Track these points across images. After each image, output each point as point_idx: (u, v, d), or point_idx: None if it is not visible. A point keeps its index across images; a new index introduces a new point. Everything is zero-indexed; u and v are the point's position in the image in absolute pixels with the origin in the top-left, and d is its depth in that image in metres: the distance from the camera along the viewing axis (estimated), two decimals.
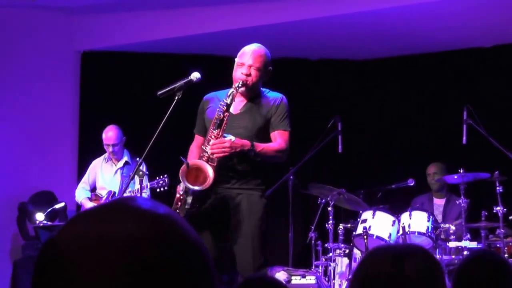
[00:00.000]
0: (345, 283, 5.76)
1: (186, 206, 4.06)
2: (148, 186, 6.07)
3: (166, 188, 6.00)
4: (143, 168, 6.24)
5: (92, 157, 6.73)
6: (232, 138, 4.05)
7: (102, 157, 6.58)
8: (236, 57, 4.29)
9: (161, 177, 6.06)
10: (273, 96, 4.31)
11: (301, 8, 6.93)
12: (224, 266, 5.81)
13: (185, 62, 6.89)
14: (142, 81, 7.60)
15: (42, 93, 7.57)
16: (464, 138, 6.13)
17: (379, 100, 8.22)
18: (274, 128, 4.23)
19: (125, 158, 6.50)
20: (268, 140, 4.22)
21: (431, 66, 7.94)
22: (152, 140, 4.25)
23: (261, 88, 4.33)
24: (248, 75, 4.16)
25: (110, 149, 6.42)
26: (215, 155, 4.02)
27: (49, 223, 6.66)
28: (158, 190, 6.05)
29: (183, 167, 4.04)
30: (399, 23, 7.08)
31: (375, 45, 7.77)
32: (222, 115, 4.04)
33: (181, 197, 4.09)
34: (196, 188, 4.00)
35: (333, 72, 8.27)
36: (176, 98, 4.19)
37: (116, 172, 6.48)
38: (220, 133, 4.04)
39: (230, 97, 4.05)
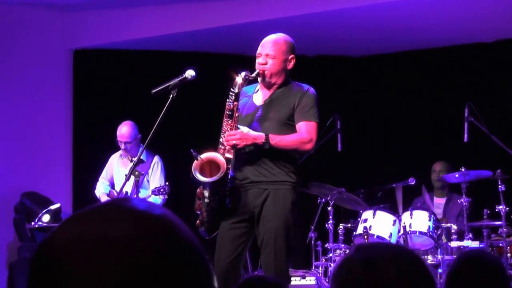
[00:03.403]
0: None
1: (206, 200, 4.04)
2: (150, 194, 5.89)
3: (166, 196, 5.80)
4: (159, 165, 6.10)
5: (87, 157, 6.61)
6: (245, 130, 4.05)
7: (118, 152, 6.31)
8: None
9: (161, 184, 5.90)
10: (299, 87, 4.27)
11: (298, 3, 6.85)
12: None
13: (180, 59, 6.78)
14: (136, 79, 7.51)
15: (34, 92, 7.47)
16: (466, 136, 6.06)
17: (378, 97, 8.14)
18: (298, 119, 4.17)
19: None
20: (294, 131, 4.16)
21: (431, 62, 7.86)
22: (148, 139, 4.26)
23: (290, 80, 4.29)
24: (264, 64, 4.16)
25: (123, 146, 6.11)
26: (227, 146, 4.03)
27: (44, 224, 6.55)
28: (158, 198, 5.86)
29: (196, 160, 4.03)
30: (398, 18, 7.01)
31: (374, 41, 7.69)
32: (231, 106, 4.04)
33: (201, 191, 4.09)
34: (207, 180, 3.98)
35: (331, 69, 8.17)
36: (171, 96, 4.16)
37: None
38: (233, 124, 4.05)
39: (236, 86, 4.05)
